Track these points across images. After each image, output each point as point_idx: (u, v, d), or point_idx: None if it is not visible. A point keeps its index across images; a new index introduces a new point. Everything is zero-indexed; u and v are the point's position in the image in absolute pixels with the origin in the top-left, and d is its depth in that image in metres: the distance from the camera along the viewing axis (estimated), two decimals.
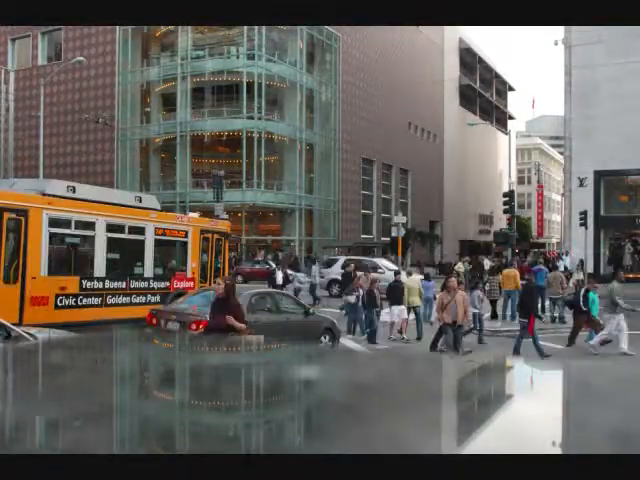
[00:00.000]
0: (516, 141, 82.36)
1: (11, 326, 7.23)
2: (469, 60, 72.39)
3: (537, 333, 12.31)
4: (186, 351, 2.08)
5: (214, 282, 10.66)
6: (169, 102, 47.02)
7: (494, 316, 17.59)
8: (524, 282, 14.66)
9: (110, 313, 13.14)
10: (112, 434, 1.15)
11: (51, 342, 2.40)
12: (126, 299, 13.91)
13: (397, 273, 16.87)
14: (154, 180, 47.53)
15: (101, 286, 13.37)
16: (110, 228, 13.72)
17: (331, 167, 49.44)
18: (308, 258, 34.64)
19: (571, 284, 18.35)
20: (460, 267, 28.11)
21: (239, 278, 28.96)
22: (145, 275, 14.78)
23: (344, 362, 1.83)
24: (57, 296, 12.29)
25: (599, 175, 35.69)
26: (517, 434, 1.09)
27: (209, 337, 7.63)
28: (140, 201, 15.51)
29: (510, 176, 40.07)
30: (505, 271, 18.86)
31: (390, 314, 14.58)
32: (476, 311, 14.18)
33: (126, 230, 14.26)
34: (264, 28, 42.33)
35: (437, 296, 13.02)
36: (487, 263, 31.82)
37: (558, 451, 1.03)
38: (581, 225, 30.53)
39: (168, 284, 15.33)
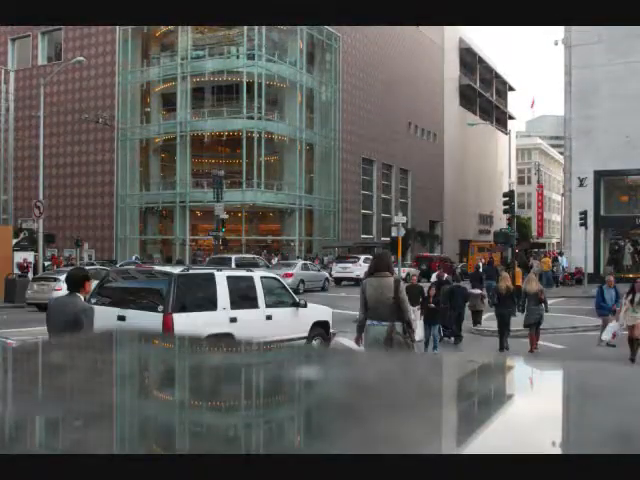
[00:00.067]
0: (516, 141, 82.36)
1: None
2: (469, 60, 72.42)
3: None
4: (185, 351, 2.08)
5: None
6: (169, 102, 47.04)
7: None
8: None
9: None
10: (112, 434, 1.15)
11: (51, 342, 2.41)
12: None
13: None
14: (154, 180, 47.55)
15: None
16: None
17: (331, 167, 49.45)
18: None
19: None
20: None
21: None
22: None
23: (344, 362, 1.83)
24: None
25: (599, 175, 35.70)
26: (517, 434, 1.09)
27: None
28: None
29: (510, 176, 40.11)
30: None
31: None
32: None
33: None
34: (264, 28, 42.36)
35: None
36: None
37: (558, 451, 1.03)
38: (581, 225, 30.54)
39: None
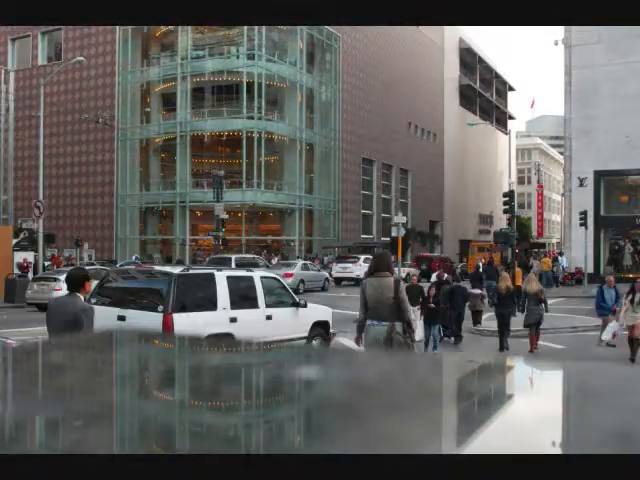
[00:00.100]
0: (516, 141, 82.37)
1: None
2: (469, 60, 72.42)
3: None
4: (185, 351, 2.08)
5: None
6: (169, 102, 47.04)
7: None
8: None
9: None
10: (112, 434, 1.15)
11: (51, 342, 2.41)
12: None
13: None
14: (154, 180, 47.55)
15: None
16: None
17: (331, 167, 49.45)
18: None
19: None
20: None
21: None
22: None
23: (344, 362, 1.83)
24: None
25: (599, 175, 35.70)
26: (517, 434, 1.09)
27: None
28: None
29: (510, 176, 40.11)
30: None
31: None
32: None
33: None
34: (264, 28, 42.36)
35: None
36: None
37: (558, 451, 1.03)
38: (581, 225, 30.54)
39: None
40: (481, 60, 74.74)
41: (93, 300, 10.33)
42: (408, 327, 7.48)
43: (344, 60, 50.32)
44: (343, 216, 50.67)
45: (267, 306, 10.45)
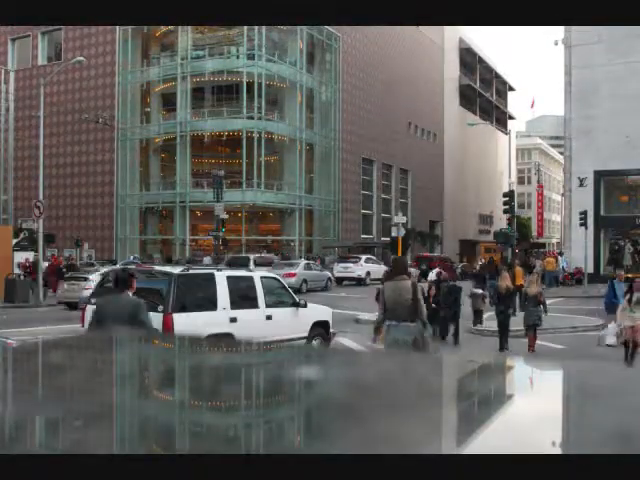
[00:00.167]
0: (516, 141, 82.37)
1: None
2: (469, 60, 72.42)
3: None
4: (185, 351, 2.08)
5: None
6: (169, 102, 47.05)
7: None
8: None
9: None
10: (112, 434, 1.15)
11: (51, 342, 2.41)
12: None
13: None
14: (154, 180, 47.55)
15: None
16: None
17: (331, 167, 49.45)
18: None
19: None
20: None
21: None
22: None
23: (344, 362, 1.83)
24: None
25: (599, 175, 35.70)
26: (517, 434, 1.09)
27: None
28: None
29: (510, 176, 40.09)
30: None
31: None
32: None
33: None
34: (264, 28, 42.35)
35: None
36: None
37: (558, 451, 1.03)
38: (581, 225, 30.52)
39: None
40: (481, 60, 74.74)
41: (93, 300, 10.33)
42: (424, 327, 7.93)
43: (344, 60, 50.32)
44: (343, 216, 50.67)
45: (267, 306, 10.44)
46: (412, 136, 59.95)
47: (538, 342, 13.00)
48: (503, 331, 13.38)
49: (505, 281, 13.86)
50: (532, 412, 1.25)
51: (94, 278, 18.82)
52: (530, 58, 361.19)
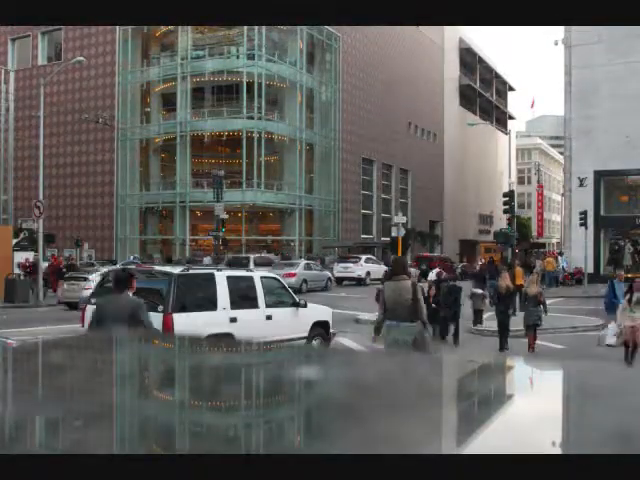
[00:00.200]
0: (516, 141, 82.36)
1: None
2: (469, 60, 72.42)
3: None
4: (185, 351, 2.08)
5: None
6: (169, 102, 47.04)
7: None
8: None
9: None
10: (112, 434, 1.15)
11: (51, 342, 2.41)
12: None
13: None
14: (154, 180, 47.55)
15: None
16: None
17: (331, 167, 49.45)
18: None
19: None
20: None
21: None
22: None
23: (344, 362, 1.83)
24: None
25: (599, 175, 35.70)
26: (517, 434, 1.09)
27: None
28: None
29: (510, 176, 40.06)
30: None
31: None
32: None
33: None
34: (264, 28, 42.34)
35: None
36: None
37: (558, 451, 1.03)
38: (581, 225, 30.52)
39: None
40: (481, 60, 74.73)
41: (93, 300, 10.32)
42: (424, 327, 7.94)
43: (344, 60, 50.31)
44: (343, 216, 50.67)
45: (267, 306, 10.45)
46: (412, 136, 59.94)
47: (538, 342, 13.01)
48: (503, 331, 13.38)
49: (505, 281, 13.87)
50: (532, 412, 1.25)
51: (94, 278, 18.84)
52: (530, 58, 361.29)
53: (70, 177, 48.03)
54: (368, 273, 34.18)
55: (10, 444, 1.04)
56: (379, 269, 34.35)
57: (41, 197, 25.17)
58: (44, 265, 25.45)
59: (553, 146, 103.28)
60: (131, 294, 6.61)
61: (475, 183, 70.08)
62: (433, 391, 1.45)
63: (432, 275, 18.62)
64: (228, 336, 8.98)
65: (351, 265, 34.56)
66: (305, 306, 11.15)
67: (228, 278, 10.07)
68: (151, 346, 2.17)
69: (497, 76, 80.00)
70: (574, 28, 34.95)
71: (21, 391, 1.44)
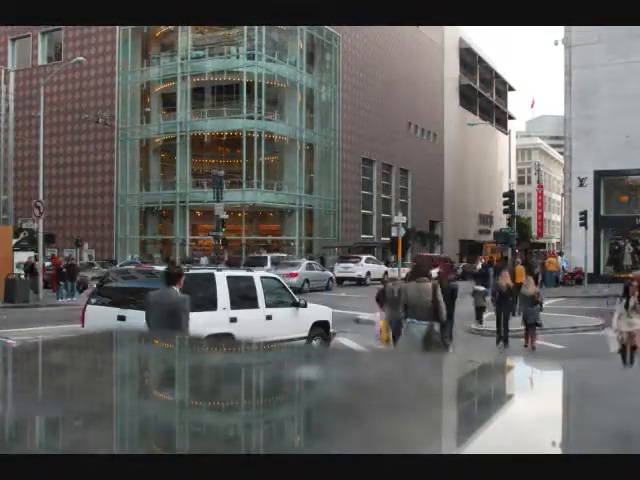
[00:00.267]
0: (516, 141, 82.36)
1: None
2: (469, 60, 72.41)
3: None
4: (185, 351, 2.08)
5: None
6: (169, 102, 47.04)
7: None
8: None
9: None
10: (112, 434, 1.15)
11: (51, 342, 2.41)
12: None
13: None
14: (154, 180, 47.55)
15: None
16: None
17: (331, 167, 49.45)
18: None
19: None
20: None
21: None
22: None
23: (344, 362, 1.83)
24: None
25: (599, 175, 35.68)
26: (517, 434, 1.09)
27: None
28: None
29: (510, 176, 40.06)
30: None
31: None
32: None
33: None
34: (264, 28, 42.34)
35: None
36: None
37: (558, 451, 1.03)
38: (581, 225, 30.52)
39: None
40: (481, 60, 74.73)
41: (93, 300, 10.33)
42: (443, 327, 8.68)
43: (344, 60, 50.31)
44: (343, 216, 50.66)
45: (267, 306, 10.44)
46: (412, 136, 59.94)
47: (538, 342, 13.01)
48: (503, 325, 13.51)
49: (505, 279, 13.91)
50: (532, 412, 1.25)
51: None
52: (530, 58, 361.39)
53: (70, 177, 48.02)
54: (368, 273, 34.19)
55: (10, 444, 1.04)
56: (379, 269, 34.41)
57: (41, 197, 25.17)
58: (45, 265, 25.45)
59: (553, 146, 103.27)
60: (178, 290, 7.05)
61: (475, 183, 70.08)
62: (433, 391, 1.45)
63: (433, 274, 18.63)
64: (228, 336, 8.98)
65: (351, 265, 34.59)
66: (305, 306, 11.13)
67: (228, 278, 10.06)
68: (151, 346, 2.17)
69: (497, 76, 79.99)
70: (574, 28, 34.94)
71: (21, 391, 1.44)
